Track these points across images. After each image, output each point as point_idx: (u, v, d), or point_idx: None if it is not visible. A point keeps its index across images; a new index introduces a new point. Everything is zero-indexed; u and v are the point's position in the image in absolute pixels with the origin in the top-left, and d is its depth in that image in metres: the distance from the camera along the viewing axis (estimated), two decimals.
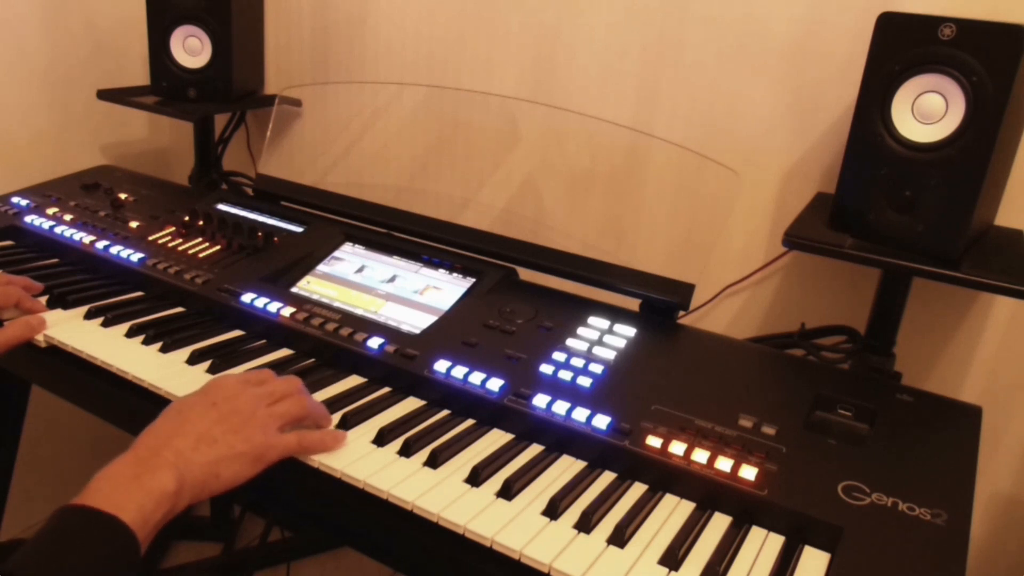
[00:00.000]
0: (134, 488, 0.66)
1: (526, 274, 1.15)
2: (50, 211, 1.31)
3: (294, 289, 1.11)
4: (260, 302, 1.05)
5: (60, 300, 1.05)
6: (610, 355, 0.95)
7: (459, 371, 0.91)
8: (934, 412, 0.88)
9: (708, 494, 0.77)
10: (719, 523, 0.75)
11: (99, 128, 1.72)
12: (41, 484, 1.72)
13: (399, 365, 0.93)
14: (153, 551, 1.76)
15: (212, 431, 0.73)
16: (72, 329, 0.99)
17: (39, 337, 0.97)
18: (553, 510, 0.73)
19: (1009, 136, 0.93)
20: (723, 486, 0.76)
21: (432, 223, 1.23)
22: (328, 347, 0.98)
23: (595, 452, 0.82)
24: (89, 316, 1.02)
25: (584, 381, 0.90)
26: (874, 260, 0.93)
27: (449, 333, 0.99)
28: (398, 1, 1.46)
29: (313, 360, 0.98)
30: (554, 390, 0.88)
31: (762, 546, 0.72)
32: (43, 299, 1.06)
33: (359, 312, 1.05)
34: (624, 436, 0.82)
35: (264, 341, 1.02)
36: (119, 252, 1.17)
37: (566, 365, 0.92)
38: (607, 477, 0.80)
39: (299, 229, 1.25)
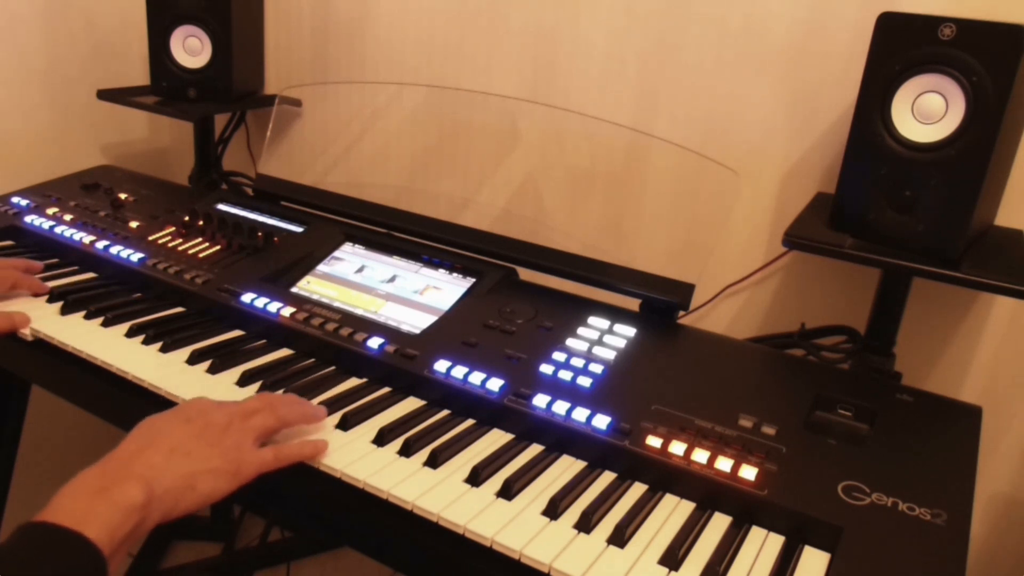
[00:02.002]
0: (99, 501, 0.63)
1: (526, 274, 1.15)
2: (50, 211, 1.31)
3: (294, 289, 1.11)
4: (260, 302, 1.05)
5: (60, 300, 1.05)
6: (610, 355, 0.94)
7: (459, 371, 0.91)
8: (934, 412, 0.88)
9: (708, 494, 0.77)
10: (719, 523, 0.75)
11: (99, 128, 1.72)
12: (41, 484, 1.72)
13: (399, 365, 0.93)
14: (153, 551, 1.77)
15: (186, 444, 0.72)
16: (72, 329, 0.99)
17: (25, 331, 0.98)
18: (553, 510, 0.73)
19: (1009, 136, 0.93)
20: (723, 486, 0.76)
21: (432, 223, 1.23)
22: (328, 347, 0.98)
23: (595, 452, 0.82)
24: (89, 316, 1.02)
25: (584, 381, 0.89)
26: (874, 260, 0.93)
27: (449, 333, 0.99)
28: (398, 1, 1.46)
29: (313, 360, 0.98)
30: (554, 390, 0.88)
31: (762, 546, 0.72)
32: (48, 284, 1.07)
33: (359, 312, 1.05)
34: (624, 436, 0.82)
35: (264, 341, 1.02)
36: (119, 252, 1.17)
37: (566, 365, 0.92)
38: (607, 477, 0.80)
39: (299, 229, 1.25)
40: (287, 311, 1.03)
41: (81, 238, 1.22)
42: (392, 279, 1.12)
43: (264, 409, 0.79)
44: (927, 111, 0.89)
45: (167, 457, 0.70)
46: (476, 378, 0.90)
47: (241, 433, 0.75)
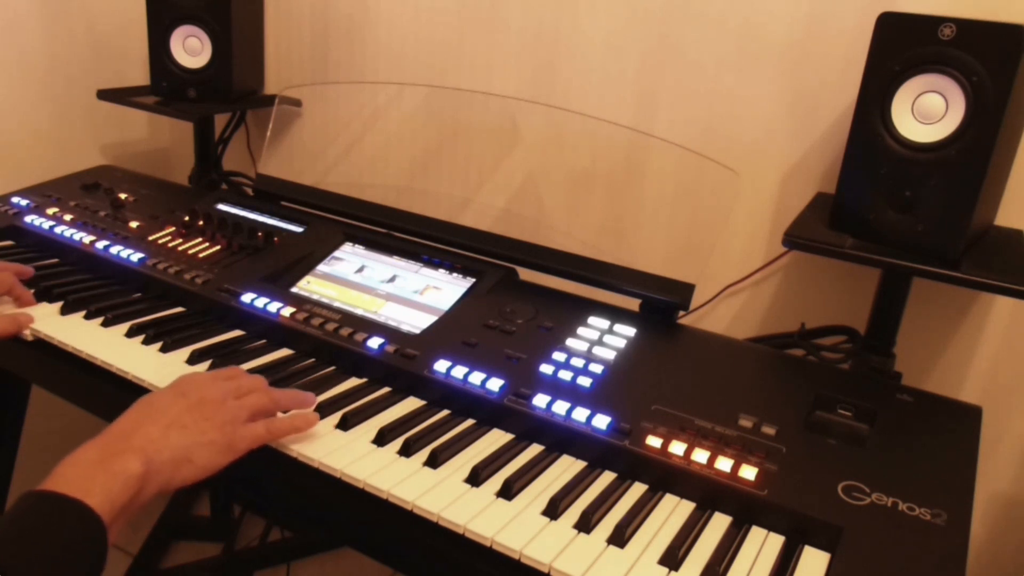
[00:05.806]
0: (99, 472, 0.65)
1: (526, 274, 1.15)
2: (50, 211, 1.31)
3: (294, 289, 1.11)
4: (260, 302, 1.05)
5: (60, 300, 1.05)
6: (610, 355, 0.94)
7: (459, 371, 0.91)
8: (934, 412, 0.88)
9: (708, 494, 0.77)
10: (719, 523, 0.75)
11: (99, 128, 1.72)
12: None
13: (399, 365, 0.93)
14: (153, 551, 1.76)
15: (182, 418, 0.74)
16: (72, 328, 0.99)
17: (26, 332, 0.98)
18: (553, 510, 0.73)
19: (1009, 136, 0.93)
20: (723, 486, 0.76)
21: (432, 223, 1.23)
22: (328, 347, 0.98)
23: (595, 452, 0.82)
24: (89, 316, 1.02)
25: (584, 381, 0.89)
26: (874, 260, 0.93)
27: (449, 333, 0.99)
28: (398, 1, 1.46)
29: (313, 360, 0.98)
30: (554, 390, 0.88)
31: (762, 546, 0.72)
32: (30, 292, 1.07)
33: (359, 312, 1.05)
34: (624, 436, 0.82)
35: (264, 341, 1.02)
36: (119, 252, 1.17)
37: (566, 365, 0.92)
38: (607, 477, 0.80)
39: (299, 229, 1.25)
40: (287, 311, 1.03)
41: (81, 238, 1.22)
42: (392, 279, 1.12)
43: (259, 389, 0.81)
44: (927, 111, 0.89)
45: (164, 431, 0.72)
46: (476, 378, 0.90)
47: (236, 409, 0.77)
